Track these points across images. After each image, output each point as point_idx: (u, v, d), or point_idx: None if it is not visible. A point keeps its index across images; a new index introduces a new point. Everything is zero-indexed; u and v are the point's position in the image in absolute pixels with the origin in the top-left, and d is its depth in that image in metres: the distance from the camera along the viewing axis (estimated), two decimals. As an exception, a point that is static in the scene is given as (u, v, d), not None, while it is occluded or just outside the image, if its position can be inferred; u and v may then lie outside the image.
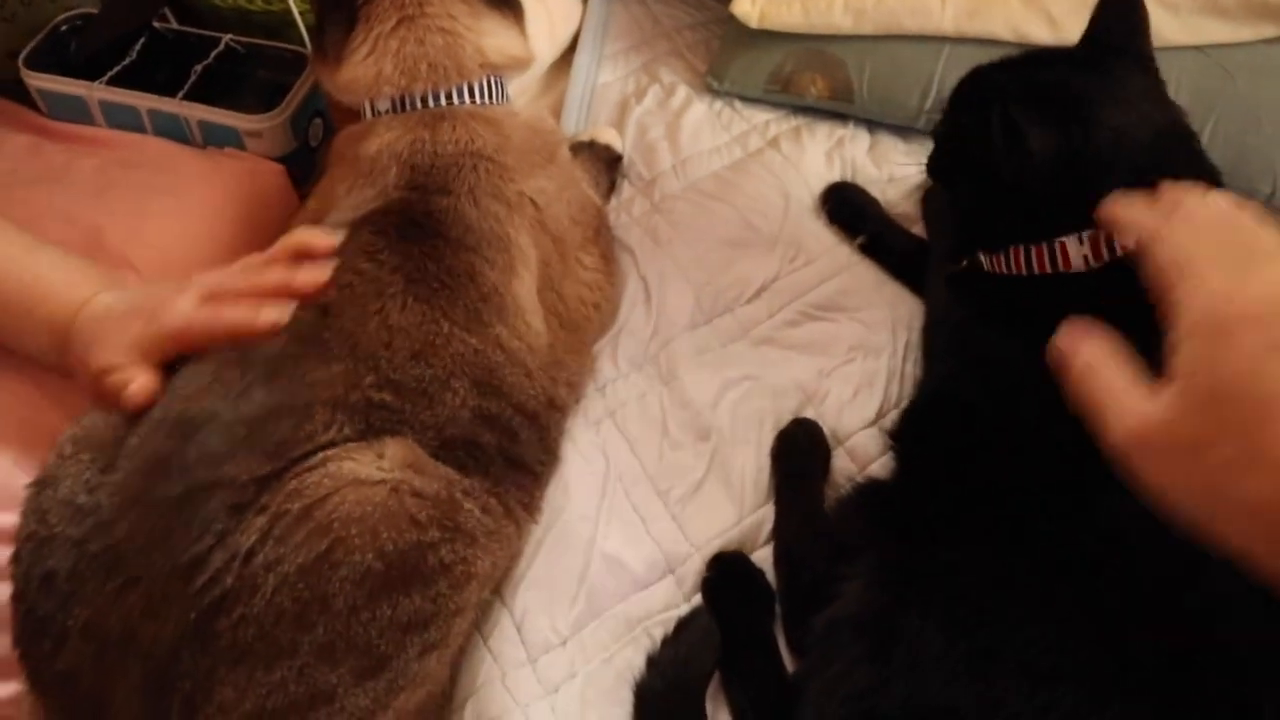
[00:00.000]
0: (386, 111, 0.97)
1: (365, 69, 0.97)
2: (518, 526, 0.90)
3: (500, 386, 0.88)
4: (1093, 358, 0.57)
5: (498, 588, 0.91)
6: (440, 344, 0.85)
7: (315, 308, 0.84)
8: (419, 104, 0.96)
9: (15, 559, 0.75)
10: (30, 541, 0.75)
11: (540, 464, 0.93)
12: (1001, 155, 0.84)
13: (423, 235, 0.89)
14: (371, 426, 0.80)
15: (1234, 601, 0.70)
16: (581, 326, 1.03)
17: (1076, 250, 0.84)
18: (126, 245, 1.03)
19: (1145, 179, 0.80)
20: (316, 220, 0.97)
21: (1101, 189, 0.82)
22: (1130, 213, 0.65)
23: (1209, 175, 0.87)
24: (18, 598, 0.75)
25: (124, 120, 1.17)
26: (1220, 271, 0.52)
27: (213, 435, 0.76)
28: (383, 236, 0.88)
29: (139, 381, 0.81)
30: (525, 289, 0.94)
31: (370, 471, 0.75)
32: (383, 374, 0.82)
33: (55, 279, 0.87)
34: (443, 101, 0.97)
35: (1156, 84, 0.91)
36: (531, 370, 0.91)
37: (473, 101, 0.98)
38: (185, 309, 0.83)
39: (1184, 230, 0.57)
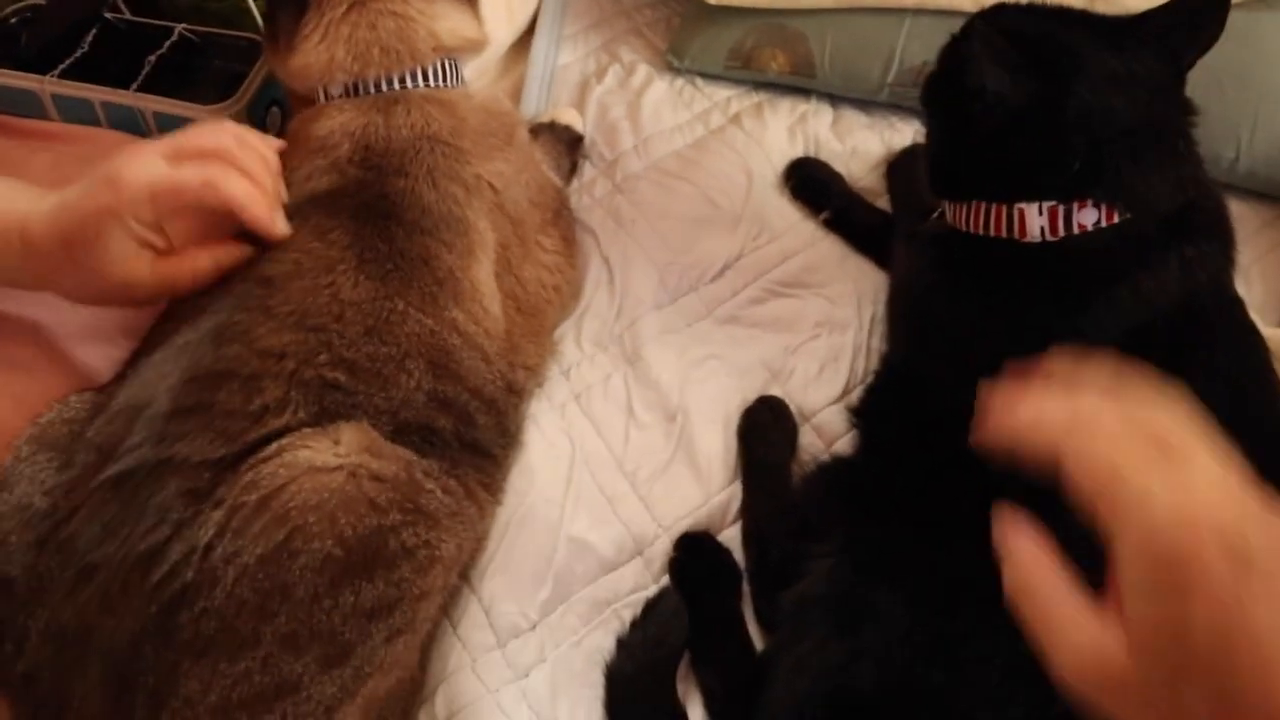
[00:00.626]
0: (339, 96, 0.96)
1: (317, 55, 0.96)
2: (480, 508, 0.89)
3: (457, 370, 0.87)
4: (1029, 572, 0.50)
5: (464, 572, 0.90)
6: (395, 321, 0.84)
7: (258, 278, 0.83)
8: (372, 89, 0.95)
9: None
10: None
11: (499, 448, 0.93)
12: (968, 95, 0.84)
13: (376, 216, 0.88)
14: (326, 410, 0.79)
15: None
16: (541, 310, 1.02)
17: (1035, 220, 0.84)
18: None
19: (1111, 163, 0.81)
20: None
21: (1066, 162, 0.83)
22: (1032, 413, 0.52)
23: (1187, 177, 0.85)
24: None
25: (78, 114, 1.16)
26: (1150, 479, 0.45)
27: (159, 402, 0.76)
28: (334, 218, 0.87)
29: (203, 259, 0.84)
30: (484, 273, 0.93)
31: (326, 458, 0.74)
32: (335, 351, 0.81)
33: None
34: (396, 85, 0.95)
35: (1170, 80, 0.87)
36: (489, 355, 0.91)
37: (427, 85, 0.97)
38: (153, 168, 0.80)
39: (1099, 441, 0.49)
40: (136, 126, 1.16)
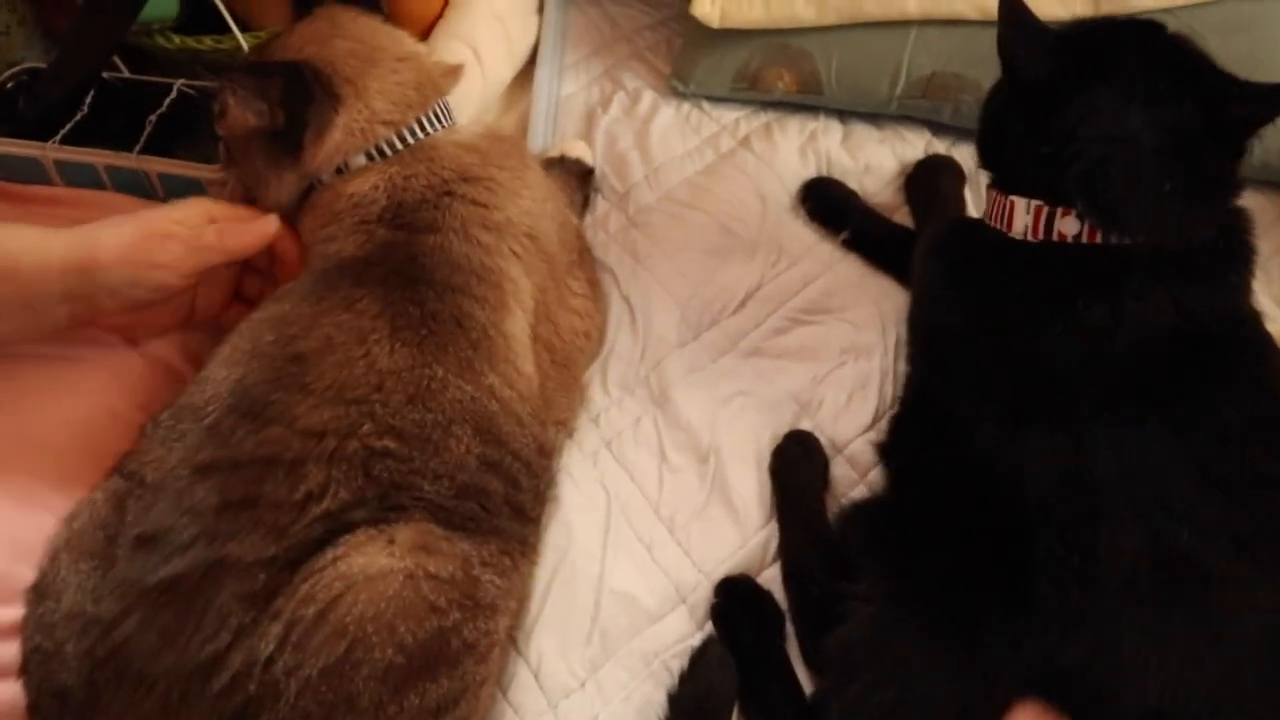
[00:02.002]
0: (359, 166, 0.94)
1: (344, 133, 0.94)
2: (522, 575, 0.89)
3: (499, 434, 0.87)
4: None
5: (512, 637, 0.90)
6: (436, 389, 0.84)
7: (290, 356, 0.82)
8: (397, 145, 0.94)
9: (24, 670, 0.75)
10: (38, 655, 0.74)
11: (536, 509, 0.93)
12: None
13: (405, 281, 0.87)
14: (375, 479, 0.78)
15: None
16: (574, 360, 1.02)
17: (1021, 216, 0.84)
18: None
19: (1105, 179, 0.81)
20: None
21: (1053, 156, 0.82)
22: None
23: (1197, 221, 0.84)
24: (32, 710, 0.74)
25: (82, 178, 1.14)
26: None
27: (202, 492, 0.76)
28: (361, 286, 0.86)
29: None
30: (517, 327, 0.92)
31: (382, 562, 0.74)
32: (380, 420, 0.80)
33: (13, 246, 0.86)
34: (410, 138, 0.94)
35: (1213, 133, 0.84)
36: (523, 419, 0.90)
37: (439, 127, 0.96)
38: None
39: None
40: (142, 188, 1.14)
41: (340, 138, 0.93)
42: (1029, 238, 0.84)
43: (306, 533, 0.75)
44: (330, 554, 0.74)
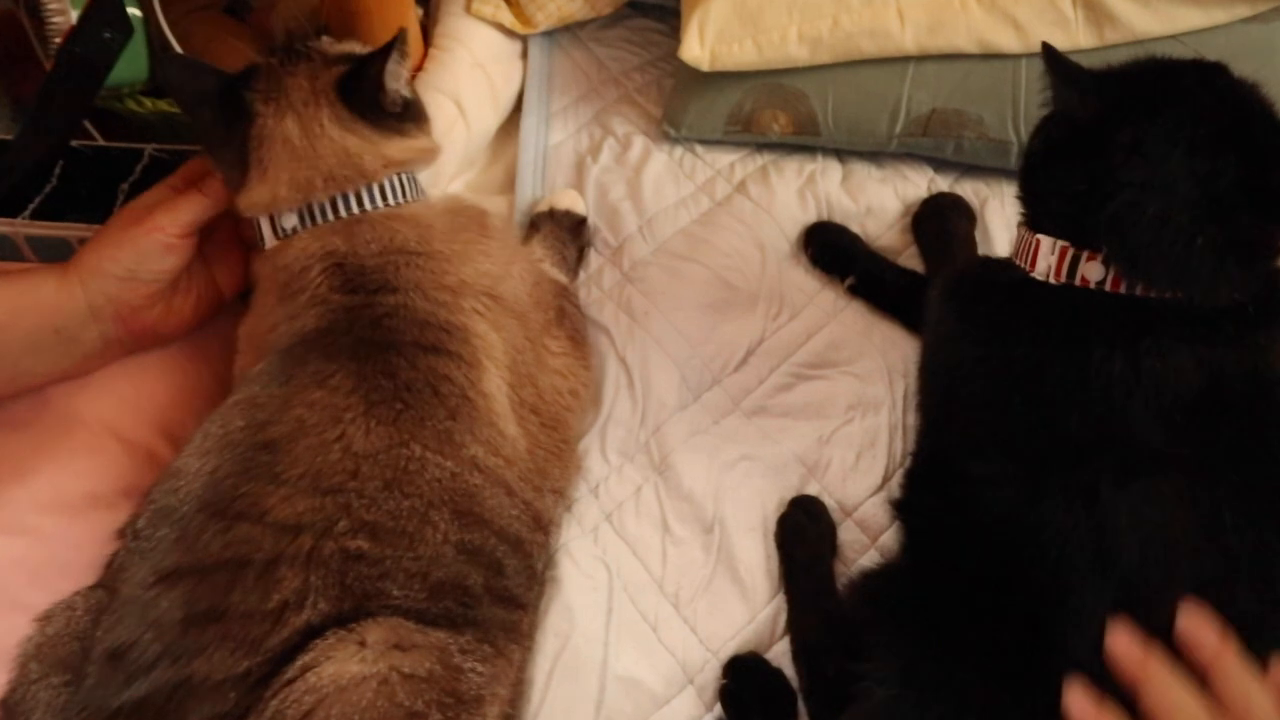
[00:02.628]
0: (294, 228, 0.91)
1: (260, 193, 0.90)
2: (511, 662, 0.84)
3: (481, 514, 0.83)
4: None
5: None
6: (414, 470, 0.80)
7: (260, 444, 0.79)
8: (329, 213, 0.90)
9: None
10: None
11: (527, 594, 0.88)
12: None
13: (376, 349, 0.84)
14: (349, 589, 0.75)
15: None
16: (562, 420, 0.97)
17: (1045, 255, 0.80)
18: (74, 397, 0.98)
19: (1138, 226, 0.76)
20: (255, 338, 0.92)
21: (1087, 192, 0.78)
22: (1166, 695, 0.61)
23: (1233, 282, 0.78)
24: None
25: (55, 253, 1.10)
26: None
27: (166, 603, 0.73)
28: (332, 360, 0.83)
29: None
30: (494, 386, 0.89)
31: (353, 670, 0.70)
32: (355, 515, 0.77)
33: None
34: (353, 208, 0.90)
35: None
36: (512, 486, 0.86)
37: (384, 203, 0.92)
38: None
39: None
40: None
41: (256, 195, 0.91)
42: (1051, 279, 0.80)
43: (282, 646, 0.71)
44: (300, 661, 0.70)
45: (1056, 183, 0.82)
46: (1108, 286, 0.78)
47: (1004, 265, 0.87)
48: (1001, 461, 0.80)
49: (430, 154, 0.98)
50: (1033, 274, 0.82)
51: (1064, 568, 0.74)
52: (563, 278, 1.09)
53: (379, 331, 0.85)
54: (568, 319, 1.04)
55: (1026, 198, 0.87)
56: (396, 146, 0.93)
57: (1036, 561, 0.76)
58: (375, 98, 0.91)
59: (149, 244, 0.90)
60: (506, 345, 0.92)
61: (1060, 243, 0.79)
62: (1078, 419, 0.78)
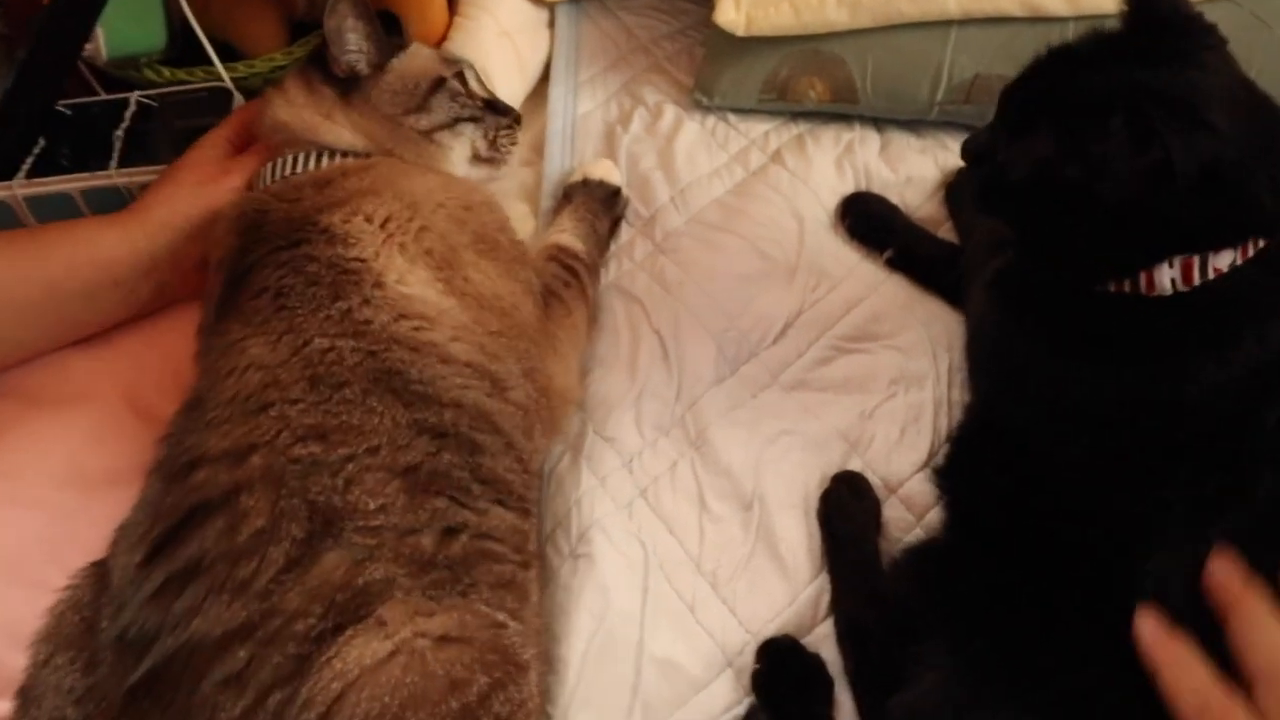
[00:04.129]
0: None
1: None
2: (528, 602, 0.80)
3: (421, 388, 0.79)
4: (1179, 668, 0.59)
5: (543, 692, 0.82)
6: (332, 360, 0.78)
7: (190, 406, 0.80)
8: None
9: None
10: None
11: (524, 489, 0.84)
12: (1123, 174, 0.71)
13: (244, 276, 0.85)
14: (318, 506, 0.71)
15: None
16: (507, 314, 0.92)
17: (1165, 273, 0.74)
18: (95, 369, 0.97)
19: (1259, 184, 0.71)
20: None
21: (1224, 205, 0.72)
22: (1184, 676, 0.61)
23: None
24: None
25: (56, 211, 1.05)
26: None
27: (152, 576, 0.70)
28: (223, 314, 0.85)
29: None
30: (373, 251, 0.86)
31: (376, 647, 0.66)
32: (294, 423, 0.74)
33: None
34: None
35: (1231, 58, 0.77)
36: (447, 352, 0.83)
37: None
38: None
39: None
40: (123, 207, 1.06)
41: None
42: (1179, 289, 0.75)
43: (280, 590, 0.68)
44: (324, 658, 0.66)
45: (1176, 218, 0.73)
46: (1239, 260, 0.73)
47: None
48: (1081, 440, 0.77)
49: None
50: (1152, 294, 0.76)
51: (1138, 545, 0.70)
52: (577, 244, 1.05)
53: (246, 257, 0.85)
54: (554, 281, 1.01)
55: (1105, 257, 0.78)
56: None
57: (1107, 535, 0.72)
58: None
59: (225, 201, 0.93)
60: (402, 233, 0.89)
61: (1180, 259, 0.73)
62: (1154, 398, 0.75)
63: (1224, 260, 0.73)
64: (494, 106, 1.05)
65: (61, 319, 0.94)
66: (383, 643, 0.66)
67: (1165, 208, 0.71)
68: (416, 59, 1.01)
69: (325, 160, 0.94)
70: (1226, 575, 0.62)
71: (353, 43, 0.95)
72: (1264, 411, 0.70)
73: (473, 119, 1.01)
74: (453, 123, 1.00)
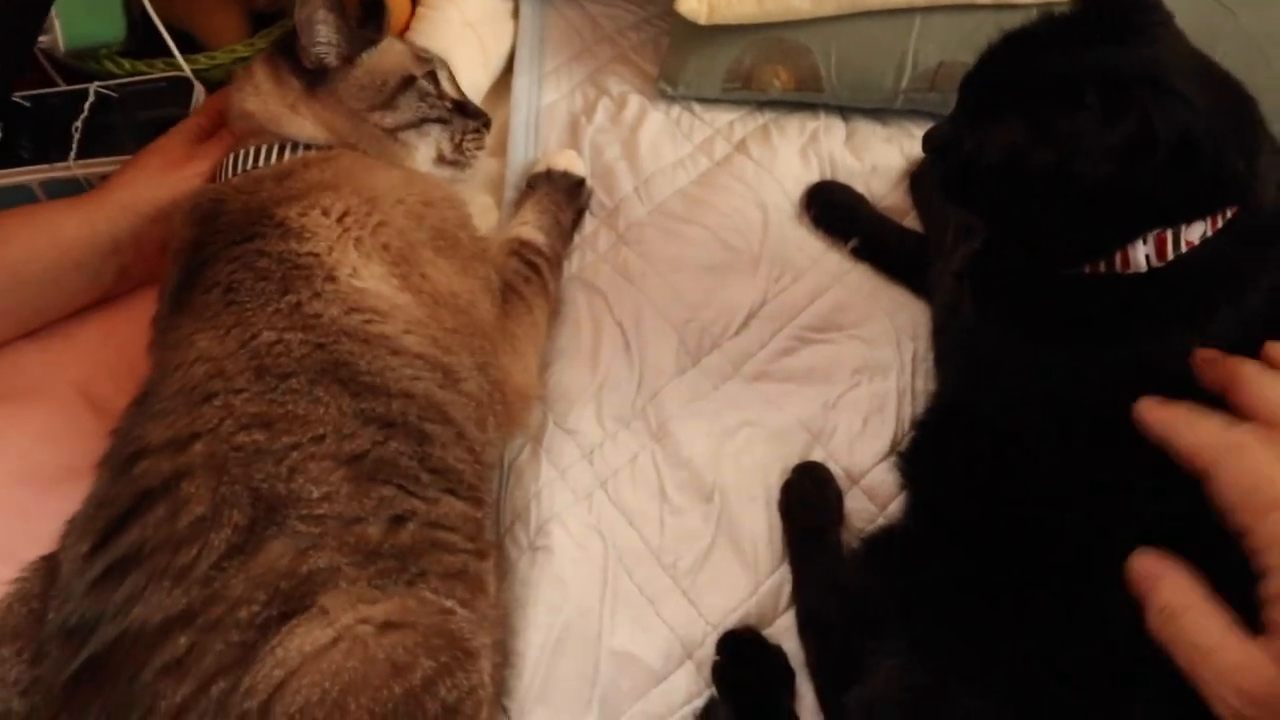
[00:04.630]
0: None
1: None
2: (488, 595, 0.79)
3: (369, 380, 0.79)
4: (1178, 602, 0.54)
5: (502, 705, 0.82)
6: (280, 352, 0.78)
7: (137, 401, 0.80)
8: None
9: None
10: None
11: (476, 479, 0.83)
12: (1098, 151, 0.70)
13: (196, 271, 0.84)
14: (261, 495, 0.71)
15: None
16: (463, 311, 0.92)
17: (1140, 250, 0.73)
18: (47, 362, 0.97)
19: (1231, 152, 0.69)
20: None
21: (1198, 174, 0.70)
22: (1194, 431, 0.59)
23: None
24: None
25: (15, 203, 1.05)
26: None
27: (94, 566, 0.70)
28: (176, 309, 0.84)
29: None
30: (327, 246, 0.85)
31: (318, 634, 0.65)
32: (239, 411, 0.74)
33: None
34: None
35: (1180, 32, 0.76)
36: (397, 344, 0.82)
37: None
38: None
39: (1261, 450, 0.54)
40: None
41: None
42: (1154, 264, 0.74)
43: (221, 576, 0.67)
44: (267, 648, 0.65)
45: (1149, 195, 0.72)
46: (1209, 232, 0.72)
47: None
48: (1054, 425, 0.76)
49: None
50: (1127, 271, 0.75)
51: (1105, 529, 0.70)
52: (540, 237, 1.04)
53: (201, 251, 0.85)
54: (515, 277, 1.00)
55: (1075, 241, 0.77)
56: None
57: (1074, 520, 0.72)
58: None
59: (188, 187, 0.93)
60: (359, 227, 0.88)
61: (1153, 234, 0.72)
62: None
63: (1195, 233, 0.72)
64: (464, 109, 1.04)
65: (24, 304, 0.94)
66: (324, 630, 0.65)
67: (1141, 182, 0.70)
68: (388, 55, 1.00)
69: (288, 153, 0.93)
70: (1217, 356, 0.62)
71: (323, 35, 0.95)
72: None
73: (440, 120, 1.00)
74: (419, 123, 0.99)
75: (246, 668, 0.64)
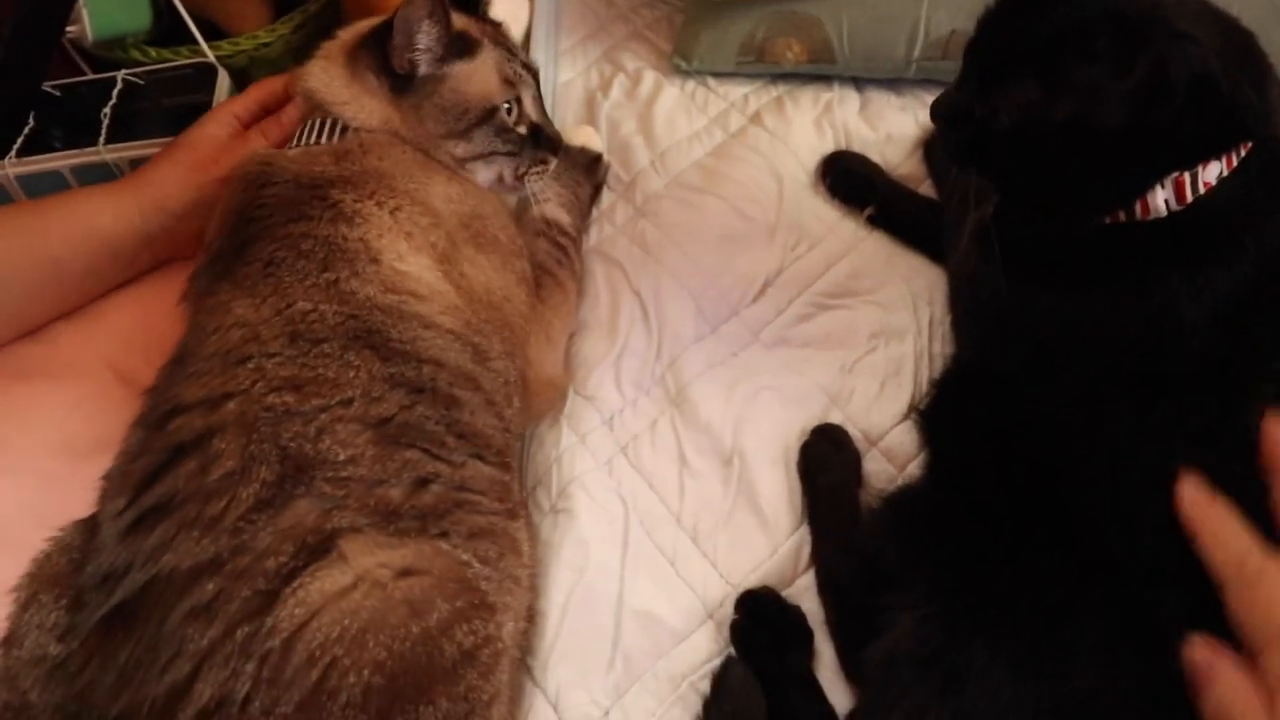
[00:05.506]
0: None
1: None
2: (518, 558, 0.81)
3: (401, 346, 0.80)
4: (1230, 699, 0.55)
5: (525, 661, 0.83)
6: (314, 319, 0.79)
7: (174, 362, 0.81)
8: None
9: None
10: (7, 711, 0.69)
11: (504, 445, 0.85)
12: (1115, 98, 0.70)
13: (245, 246, 0.85)
14: (289, 453, 0.72)
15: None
16: (497, 307, 0.93)
17: (1159, 195, 0.74)
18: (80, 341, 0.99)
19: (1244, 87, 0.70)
20: None
21: (1214, 114, 0.70)
22: (1223, 544, 0.60)
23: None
24: None
25: (48, 188, 1.08)
26: None
27: (127, 517, 0.72)
28: (216, 276, 0.85)
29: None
30: (375, 231, 0.86)
31: (339, 578, 0.67)
32: (271, 374, 0.75)
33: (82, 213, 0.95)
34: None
35: None
36: (430, 319, 0.83)
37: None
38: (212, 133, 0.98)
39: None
40: None
41: None
42: (1173, 209, 0.74)
43: (249, 528, 0.69)
44: (289, 589, 0.67)
45: (1165, 137, 0.73)
46: (1225, 171, 0.73)
47: None
48: (1077, 380, 0.77)
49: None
50: (1147, 218, 0.76)
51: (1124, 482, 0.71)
52: (564, 216, 1.06)
53: (247, 225, 0.85)
54: (547, 258, 1.02)
55: (1094, 190, 0.78)
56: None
57: (1095, 474, 0.73)
58: None
59: (213, 189, 0.93)
60: (412, 224, 0.89)
61: (1171, 177, 0.73)
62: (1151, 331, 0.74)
63: (1212, 173, 0.73)
64: (536, 137, 1.00)
65: (63, 293, 0.97)
66: (344, 574, 0.67)
67: (1159, 125, 0.70)
68: (477, 76, 0.96)
69: (349, 133, 0.93)
70: (1194, 492, 0.61)
71: (421, 42, 0.92)
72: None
73: (509, 154, 0.98)
74: (488, 155, 0.97)
75: (270, 611, 0.66)
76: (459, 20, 0.96)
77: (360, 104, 0.94)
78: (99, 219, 0.94)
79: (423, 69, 0.93)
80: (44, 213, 0.95)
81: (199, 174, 0.96)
